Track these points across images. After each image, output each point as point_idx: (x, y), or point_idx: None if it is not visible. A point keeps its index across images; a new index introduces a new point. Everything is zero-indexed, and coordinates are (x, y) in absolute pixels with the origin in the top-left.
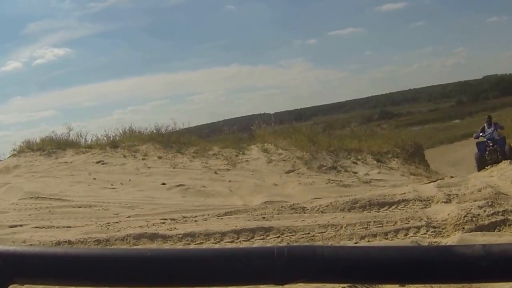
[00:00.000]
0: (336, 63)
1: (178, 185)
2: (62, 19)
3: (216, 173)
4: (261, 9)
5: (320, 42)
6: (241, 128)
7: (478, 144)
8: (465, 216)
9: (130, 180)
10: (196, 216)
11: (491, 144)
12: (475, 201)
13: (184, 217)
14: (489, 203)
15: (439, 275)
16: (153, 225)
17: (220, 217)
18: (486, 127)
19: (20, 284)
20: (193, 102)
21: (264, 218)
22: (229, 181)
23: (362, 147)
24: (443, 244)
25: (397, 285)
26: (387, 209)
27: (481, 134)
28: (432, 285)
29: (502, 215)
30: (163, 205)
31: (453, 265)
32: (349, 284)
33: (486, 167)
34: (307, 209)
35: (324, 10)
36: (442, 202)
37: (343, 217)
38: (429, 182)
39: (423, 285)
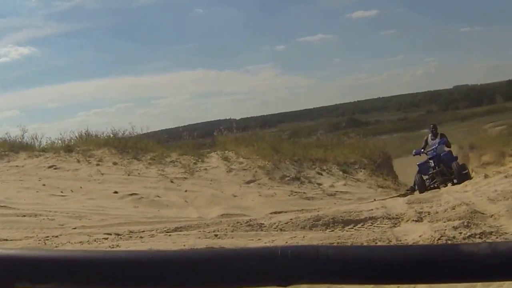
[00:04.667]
0: (305, 70)
1: (131, 194)
2: (27, 17)
3: (172, 181)
4: (230, 13)
5: (289, 48)
6: (205, 133)
7: (419, 164)
8: (439, 239)
9: (81, 187)
10: (143, 231)
11: (433, 165)
12: (449, 220)
13: (130, 231)
14: (465, 224)
15: (445, 274)
16: (95, 241)
17: (169, 233)
18: (429, 139)
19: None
20: (158, 105)
21: (216, 235)
22: (185, 191)
23: (328, 157)
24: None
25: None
26: (352, 228)
27: (422, 150)
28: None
29: (479, 237)
30: (113, 216)
31: (458, 264)
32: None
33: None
34: (265, 226)
35: (293, 16)
36: (413, 220)
37: (304, 236)
38: (398, 196)
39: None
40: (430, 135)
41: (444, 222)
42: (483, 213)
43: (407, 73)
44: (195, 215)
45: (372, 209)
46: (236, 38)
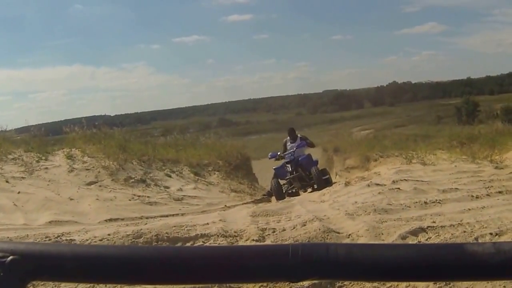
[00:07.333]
0: (179, 69)
1: None
2: None
3: (7, 181)
4: (108, 10)
5: (164, 48)
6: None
7: (276, 168)
8: None
9: None
10: None
11: (290, 169)
12: (296, 241)
13: None
14: None
15: (450, 272)
16: None
17: None
18: (288, 142)
19: (40, 281)
20: (35, 100)
21: None
22: (18, 193)
23: (181, 157)
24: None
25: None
26: None
27: (279, 153)
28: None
29: None
30: None
31: (464, 263)
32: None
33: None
34: (76, 243)
35: (170, 16)
36: (253, 240)
37: None
38: (252, 201)
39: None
40: (288, 138)
41: (290, 243)
42: (338, 232)
43: (279, 76)
44: (21, 221)
45: (208, 223)
46: (113, 35)
